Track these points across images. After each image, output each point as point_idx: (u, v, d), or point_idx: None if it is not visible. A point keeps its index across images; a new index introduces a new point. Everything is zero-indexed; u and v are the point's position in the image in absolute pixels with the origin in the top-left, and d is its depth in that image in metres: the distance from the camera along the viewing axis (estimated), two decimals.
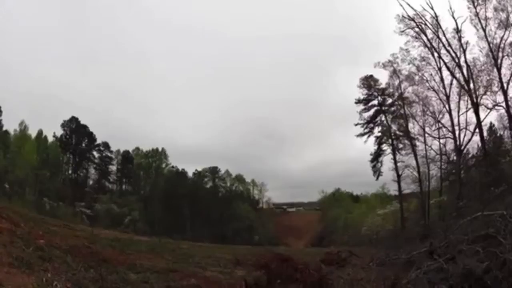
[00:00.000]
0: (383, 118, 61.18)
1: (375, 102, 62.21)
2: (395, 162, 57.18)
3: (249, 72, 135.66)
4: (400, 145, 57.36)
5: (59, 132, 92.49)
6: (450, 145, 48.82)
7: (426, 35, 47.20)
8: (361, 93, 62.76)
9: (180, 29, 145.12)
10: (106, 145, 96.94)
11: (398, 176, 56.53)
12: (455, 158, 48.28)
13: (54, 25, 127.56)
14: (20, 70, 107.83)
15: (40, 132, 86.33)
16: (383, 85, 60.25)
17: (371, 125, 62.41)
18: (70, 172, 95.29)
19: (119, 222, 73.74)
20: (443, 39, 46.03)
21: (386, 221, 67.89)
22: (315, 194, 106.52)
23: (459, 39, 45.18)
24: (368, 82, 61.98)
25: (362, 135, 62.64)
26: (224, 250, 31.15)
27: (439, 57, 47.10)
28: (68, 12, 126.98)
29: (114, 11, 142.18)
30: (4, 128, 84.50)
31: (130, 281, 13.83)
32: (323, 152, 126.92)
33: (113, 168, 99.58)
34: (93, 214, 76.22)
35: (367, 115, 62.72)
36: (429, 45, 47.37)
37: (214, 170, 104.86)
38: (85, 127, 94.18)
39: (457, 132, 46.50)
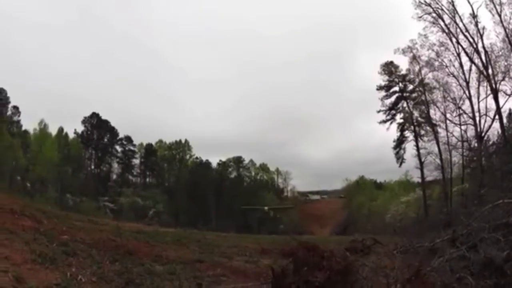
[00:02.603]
0: (404, 105, 61.00)
1: (396, 88, 62.03)
2: (418, 149, 56.84)
3: (270, 59, 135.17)
4: (422, 132, 56.95)
5: (80, 128, 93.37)
6: (471, 132, 48.24)
7: (443, 20, 46.73)
8: (382, 80, 62.49)
9: (198, 19, 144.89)
10: (128, 139, 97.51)
11: (421, 163, 56.11)
12: (476, 145, 47.73)
13: (69, 20, 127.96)
14: (36, 69, 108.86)
15: (60, 130, 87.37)
16: (403, 71, 59.95)
17: (393, 111, 62.26)
18: (92, 167, 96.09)
19: (144, 215, 74.30)
20: (460, 25, 45.61)
21: (409, 209, 67.85)
22: (339, 182, 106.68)
23: (476, 24, 44.74)
24: (389, 68, 61.66)
25: (384, 122, 62.53)
26: (249, 239, 31.07)
27: (457, 42, 46.62)
28: (83, 7, 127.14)
29: (130, 3, 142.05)
30: (23, 128, 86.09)
31: (156, 272, 13.84)
32: (347, 139, 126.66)
33: (137, 161, 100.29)
34: (117, 208, 76.88)
35: (388, 101, 62.63)
36: (446, 30, 46.89)
37: (238, 160, 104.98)
38: (106, 122, 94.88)
39: (477, 119, 46.00)
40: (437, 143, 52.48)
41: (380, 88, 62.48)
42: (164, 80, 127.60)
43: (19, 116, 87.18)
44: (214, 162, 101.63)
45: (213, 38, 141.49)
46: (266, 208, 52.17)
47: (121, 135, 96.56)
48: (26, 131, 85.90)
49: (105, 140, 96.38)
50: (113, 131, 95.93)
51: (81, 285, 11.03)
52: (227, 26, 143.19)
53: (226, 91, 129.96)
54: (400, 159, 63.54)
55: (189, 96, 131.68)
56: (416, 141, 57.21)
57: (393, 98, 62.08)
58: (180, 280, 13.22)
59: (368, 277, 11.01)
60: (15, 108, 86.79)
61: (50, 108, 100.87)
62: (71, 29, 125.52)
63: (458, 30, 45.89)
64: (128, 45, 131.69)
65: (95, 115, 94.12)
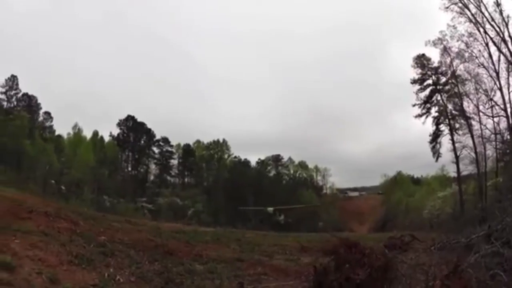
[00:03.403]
0: (438, 98, 59.81)
1: (430, 81, 60.85)
2: (453, 143, 55.59)
3: (304, 57, 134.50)
4: (457, 125, 55.83)
5: (115, 131, 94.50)
6: (503, 124, 47.10)
7: (469, 10, 45.86)
8: (415, 73, 61.65)
9: (231, 17, 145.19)
10: (166, 140, 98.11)
11: (456, 157, 54.91)
12: (508, 137, 46.69)
13: (97, 23, 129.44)
14: (68, 74, 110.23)
15: (95, 133, 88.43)
16: (436, 64, 59.03)
17: (428, 105, 61.08)
18: (129, 169, 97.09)
19: (183, 215, 74.56)
20: (486, 14, 44.67)
21: (446, 204, 66.91)
22: (378, 178, 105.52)
23: (501, 13, 43.75)
24: (421, 61, 60.59)
25: (420, 116, 61.31)
26: (289, 237, 30.85)
27: (485, 32, 45.57)
28: (113, 10, 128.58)
29: (162, 5, 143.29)
30: (56, 133, 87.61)
31: (196, 272, 13.82)
32: (385, 134, 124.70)
33: (174, 162, 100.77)
34: (155, 209, 77.39)
35: (423, 95, 61.39)
36: (473, 20, 45.95)
37: (277, 158, 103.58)
38: (142, 124, 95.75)
39: (509, 110, 44.97)
40: (472, 136, 51.28)
41: (414, 81, 61.37)
42: (199, 81, 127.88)
43: (51, 121, 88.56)
44: (252, 161, 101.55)
45: (246, 38, 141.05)
46: (270, 209, 50.83)
47: (157, 137, 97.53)
48: (59, 136, 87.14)
49: (142, 142, 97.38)
50: (149, 133, 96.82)
51: (119, 285, 11.07)
52: (259, 27, 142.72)
53: (263, 90, 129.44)
54: (436, 153, 62.14)
55: (226, 97, 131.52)
56: (451, 134, 56.02)
57: (427, 91, 60.94)
58: (221, 279, 13.14)
59: (406, 274, 10.80)
60: (47, 113, 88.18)
61: (84, 112, 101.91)
62: (103, 32, 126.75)
63: (484, 19, 45.02)
64: (162, 47, 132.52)
65: (130, 118, 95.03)
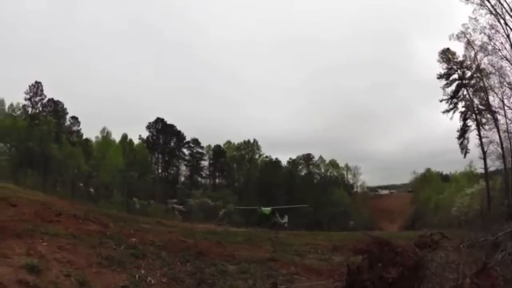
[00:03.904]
0: (465, 92, 59.16)
1: (456, 76, 60.22)
2: (480, 138, 54.83)
3: (332, 54, 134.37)
4: (483, 120, 55.15)
5: (144, 134, 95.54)
6: None
7: (489, 1, 45.24)
8: (441, 68, 61.00)
9: (257, 23, 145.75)
10: (196, 141, 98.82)
11: (484, 152, 54.13)
12: None
13: (124, 29, 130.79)
14: (94, 78, 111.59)
15: (124, 136, 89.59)
16: (460, 58, 58.35)
17: (455, 100, 60.41)
18: (160, 171, 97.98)
19: (214, 216, 74.79)
20: (505, 5, 44.06)
21: (474, 201, 66.50)
22: (407, 175, 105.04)
23: None
24: (446, 55, 59.99)
25: (447, 111, 60.66)
26: (321, 236, 30.65)
27: (505, 24, 44.97)
28: (136, 14, 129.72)
29: (183, 7, 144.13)
30: (84, 137, 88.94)
31: (228, 272, 13.83)
32: (414, 131, 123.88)
33: (205, 163, 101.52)
34: (186, 210, 77.74)
35: (449, 90, 60.83)
36: (493, 12, 45.32)
37: (307, 157, 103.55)
38: (172, 126, 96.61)
39: None
40: (498, 131, 50.52)
41: (440, 76, 60.76)
42: (228, 82, 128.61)
43: (78, 126, 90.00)
44: (283, 160, 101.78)
45: (274, 42, 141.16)
46: (267, 209, 49.36)
47: (187, 139, 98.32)
48: (87, 140, 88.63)
49: (172, 144, 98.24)
50: (179, 135, 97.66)
51: (150, 286, 11.12)
52: (286, 31, 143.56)
53: (293, 90, 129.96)
54: (464, 149, 61.25)
55: (256, 97, 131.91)
56: (478, 129, 55.24)
57: (453, 86, 60.36)
58: (254, 279, 13.06)
59: (436, 272, 10.58)
60: (74, 118, 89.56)
61: (111, 117, 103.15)
62: (130, 38, 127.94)
63: (504, 10, 44.43)
64: (190, 51, 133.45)
65: (159, 120, 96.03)
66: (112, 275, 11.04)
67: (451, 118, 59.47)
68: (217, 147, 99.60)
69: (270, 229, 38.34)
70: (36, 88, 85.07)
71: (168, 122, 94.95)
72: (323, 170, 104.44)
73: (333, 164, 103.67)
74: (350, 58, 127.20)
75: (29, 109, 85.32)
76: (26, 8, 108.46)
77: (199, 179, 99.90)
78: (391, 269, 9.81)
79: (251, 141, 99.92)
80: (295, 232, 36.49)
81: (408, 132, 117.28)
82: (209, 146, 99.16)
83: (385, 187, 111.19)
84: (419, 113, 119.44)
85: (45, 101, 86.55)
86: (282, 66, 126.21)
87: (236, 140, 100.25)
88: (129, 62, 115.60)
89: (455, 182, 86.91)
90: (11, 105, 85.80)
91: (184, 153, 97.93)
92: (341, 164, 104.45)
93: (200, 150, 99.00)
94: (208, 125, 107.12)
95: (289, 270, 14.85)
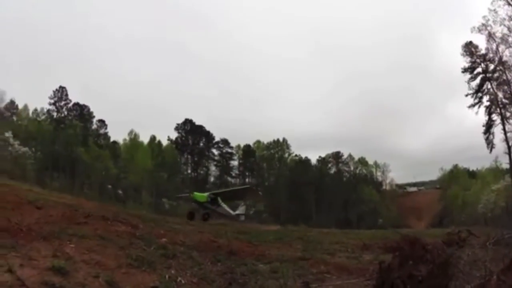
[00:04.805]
0: (489, 86, 58.56)
1: (479, 69, 59.57)
2: (505, 133, 54.77)
3: (359, 51, 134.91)
4: (508, 114, 54.54)
5: (173, 135, 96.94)
6: None
7: None
8: (465, 61, 60.38)
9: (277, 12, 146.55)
10: (225, 141, 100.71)
11: (509, 147, 53.83)
12: None
13: (151, 32, 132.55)
14: (120, 83, 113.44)
15: (152, 138, 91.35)
16: (483, 51, 57.69)
17: (480, 94, 59.73)
18: (189, 171, 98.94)
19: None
20: None
21: (499, 197, 66.18)
22: (435, 172, 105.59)
23: None
24: (469, 49, 59.71)
25: (473, 105, 60.06)
26: (350, 235, 30.75)
27: None
28: (161, 17, 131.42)
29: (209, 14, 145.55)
30: (111, 139, 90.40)
31: (259, 271, 13.78)
32: (441, 126, 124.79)
33: (235, 163, 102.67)
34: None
35: (474, 84, 60.21)
36: (511, 1, 44.83)
37: (337, 155, 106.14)
38: (201, 127, 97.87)
39: None
40: None
41: (464, 70, 60.46)
42: (257, 82, 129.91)
43: (105, 129, 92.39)
44: (313, 158, 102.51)
45: (302, 42, 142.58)
46: (201, 194, 43.06)
47: (217, 139, 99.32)
48: (115, 142, 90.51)
49: (201, 144, 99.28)
50: (208, 135, 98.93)
51: (180, 286, 11.07)
52: (313, 32, 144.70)
53: (321, 89, 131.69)
54: (489, 144, 60.62)
55: (285, 95, 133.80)
56: (503, 124, 55.01)
57: (478, 80, 59.76)
58: (285, 278, 13.01)
59: (464, 270, 10.48)
60: (101, 121, 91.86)
61: (138, 119, 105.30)
62: (155, 43, 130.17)
63: None
64: (218, 50, 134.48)
65: (188, 121, 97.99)
66: (141, 275, 11.09)
67: (476, 113, 59.23)
68: (247, 146, 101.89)
69: (203, 220, 36.03)
70: (61, 93, 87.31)
71: (197, 123, 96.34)
72: (352, 168, 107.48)
73: (362, 161, 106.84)
74: (377, 60, 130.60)
75: (54, 114, 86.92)
76: (52, 17, 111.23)
77: (229, 179, 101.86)
78: (421, 266, 9.84)
79: (281, 140, 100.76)
80: (325, 231, 36.47)
81: (436, 128, 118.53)
82: (238, 146, 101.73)
83: (414, 184, 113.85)
84: (446, 108, 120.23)
85: (70, 105, 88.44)
86: (311, 67, 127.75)
87: (266, 139, 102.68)
88: (156, 66, 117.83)
89: (481, 178, 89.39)
90: (35, 110, 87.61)
91: (213, 153, 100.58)
92: (370, 162, 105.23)
93: (229, 150, 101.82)
94: (238, 125, 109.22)
95: (320, 269, 14.74)
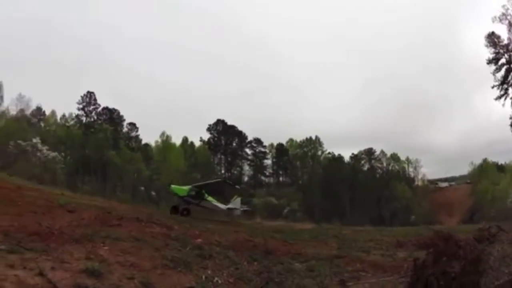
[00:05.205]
0: None
1: (503, 60, 58.49)
2: None
3: (389, 47, 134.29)
4: None
5: (205, 136, 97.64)
6: None
7: None
8: (489, 52, 59.37)
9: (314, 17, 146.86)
10: (258, 141, 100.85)
11: None
12: None
13: (182, 33, 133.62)
14: (151, 85, 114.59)
15: (185, 139, 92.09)
16: (505, 41, 56.69)
17: (505, 86, 58.68)
18: (223, 171, 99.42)
19: (278, 214, 75.33)
20: None
21: None
22: (466, 166, 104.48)
23: None
24: (492, 39, 58.71)
25: (499, 97, 59.00)
26: (384, 232, 30.56)
27: None
28: (190, 19, 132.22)
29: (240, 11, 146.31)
30: (143, 142, 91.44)
31: (295, 270, 13.76)
32: (471, 120, 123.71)
33: (268, 162, 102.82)
34: (250, 209, 78.51)
35: (499, 75, 59.12)
36: None
37: (369, 152, 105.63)
38: (233, 127, 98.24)
39: None
40: None
41: (489, 61, 59.30)
42: (287, 81, 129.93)
43: (136, 131, 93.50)
44: (346, 155, 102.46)
45: (335, 40, 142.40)
46: (180, 188, 40.25)
47: (249, 139, 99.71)
48: (146, 144, 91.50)
49: (234, 144, 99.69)
50: (241, 135, 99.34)
51: (217, 287, 11.05)
52: (346, 31, 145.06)
53: (353, 86, 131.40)
54: None
55: (312, 93, 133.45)
56: None
57: (503, 71, 58.66)
58: (321, 276, 13.01)
59: (494, 266, 10.23)
60: (132, 124, 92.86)
61: (170, 121, 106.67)
62: (184, 45, 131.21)
63: None
64: (248, 50, 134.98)
65: (220, 122, 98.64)
66: (177, 276, 11.06)
67: (503, 105, 57.99)
68: (280, 145, 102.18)
69: (181, 216, 31.92)
70: (89, 98, 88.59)
71: (229, 123, 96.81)
72: (385, 164, 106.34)
73: (395, 157, 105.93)
74: (406, 58, 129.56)
75: (83, 118, 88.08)
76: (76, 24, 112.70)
77: (263, 178, 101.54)
78: (454, 263, 9.88)
79: (313, 138, 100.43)
80: (359, 228, 36.41)
81: (466, 122, 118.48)
82: (271, 145, 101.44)
83: (445, 180, 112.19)
84: (476, 102, 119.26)
85: (99, 109, 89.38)
86: (342, 64, 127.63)
87: (298, 137, 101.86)
88: (185, 67, 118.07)
89: (510, 172, 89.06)
90: (63, 115, 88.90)
91: (246, 153, 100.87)
92: (402, 158, 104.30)
93: (262, 149, 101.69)
94: (270, 124, 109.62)
95: (355, 267, 14.63)
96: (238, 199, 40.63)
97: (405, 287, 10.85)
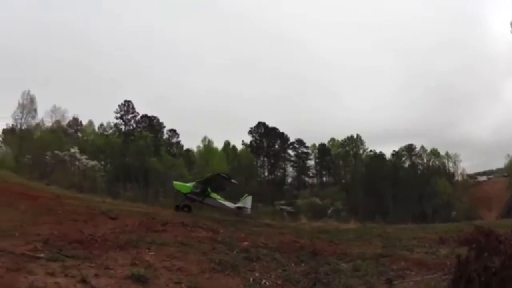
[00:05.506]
0: None
1: None
2: None
3: (423, 42, 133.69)
4: None
5: (247, 139, 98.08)
6: None
7: None
8: None
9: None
10: (300, 142, 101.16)
11: None
12: None
13: (219, 39, 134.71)
14: (189, 92, 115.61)
15: (227, 143, 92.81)
16: None
17: None
18: (266, 174, 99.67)
19: (322, 214, 75.16)
20: None
21: None
22: (502, 159, 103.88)
23: None
24: None
25: None
26: (426, 229, 30.10)
27: None
28: (230, 25, 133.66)
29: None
30: (184, 148, 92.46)
31: (342, 270, 13.72)
32: (506, 112, 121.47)
33: (311, 162, 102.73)
34: (294, 210, 78.44)
35: None
36: None
37: (409, 148, 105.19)
38: (274, 129, 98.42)
39: None
40: None
41: None
42: (326, 80, 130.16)
43: (177, 137, 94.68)
44: (387, 152, 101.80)
45: (373, 38, 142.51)
46: (184, 185, 37.72)
47: (291, 140, 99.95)
48: (188, 150, 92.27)
49: (276, 146, 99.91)
50: (283, 137, 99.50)
51: None
52: (384, 29, 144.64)
53: (390, 83, 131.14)
54: None
55: (351, 91, 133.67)
56: None
57: None
58: (367, 276, 13.02)
59: None
60: (172, 131, 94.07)
61: (210, 126, 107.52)
62: (221, 49, 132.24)
63: None
64: (287, 51, 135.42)
65: (261, 124, 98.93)
66: (225, 279, 11.13)
67: None
68: (322, 145, 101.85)
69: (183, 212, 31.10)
70: (127, 107, 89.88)
71: (270, 125, 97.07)
72: (425, 160, 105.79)
73: (435, 153, 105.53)
74: (443, 54, 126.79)
75: (122, 127, 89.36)
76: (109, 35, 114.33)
77: (306, 178, 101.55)
78: (495, 258, 9.85)
79: (354, 136, 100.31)
80: (402, 226, 36.09)
81: (502, 114, 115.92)
82: (313, 145, 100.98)
83: (483, 173, 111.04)
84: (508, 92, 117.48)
85: (138, 117, 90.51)
86: (380, 61, 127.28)
87: (340, 136, 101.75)
88: (223, 72, 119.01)
89: None
90: (101, 125, 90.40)
91: (289, 154, 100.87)
92: (442, 153, 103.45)
93: (305, 150, 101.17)
94: (311, 124, 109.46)
95: (400, 266, 14.51)
96: (249, 198, 37.06)
97: (448, 284, 10.80)
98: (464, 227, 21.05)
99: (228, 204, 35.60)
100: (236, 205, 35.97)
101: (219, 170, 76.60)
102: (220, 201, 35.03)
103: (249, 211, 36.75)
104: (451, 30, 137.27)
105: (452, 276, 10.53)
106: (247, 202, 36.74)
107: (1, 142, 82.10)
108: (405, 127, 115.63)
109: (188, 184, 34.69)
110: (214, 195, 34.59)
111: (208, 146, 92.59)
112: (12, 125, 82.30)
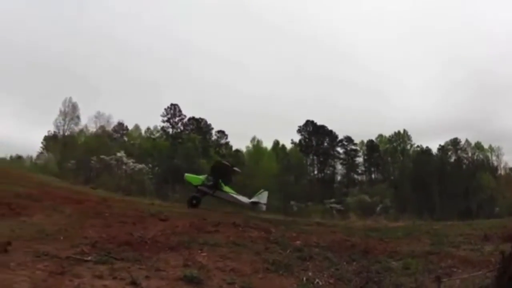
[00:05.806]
0: None
1: None
2: None
3: (456, 37, 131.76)
4: None
5: (296, 138, 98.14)
6: None
7: None
8: None
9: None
10: (349, 139, 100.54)
11: None
12: None
13: (262, 36, 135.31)
14: (236, 93, 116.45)
15: (276, 143, 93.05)
16: None
17: None
18: (316, 172, 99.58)
19: (371, 212, 74.83)
20: None
21: None
22: None
23: None
24: None
25: None
26: (472, 225, 29.81)
27: None
28: (274, 29, 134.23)
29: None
30: (233, 148, 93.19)
31: (392, 269, 13.89)
32: None
33: (360, 159, 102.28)
34: (344, 209, 78.31)
35: None
36: None
37: (455, 142, 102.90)
38: (323, 127, 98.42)
39: None
40: None
41: None
42: (369, 76, 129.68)
43: (226, 138, 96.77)
44: (434, 147, 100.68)
45: (413, 27, 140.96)
46: (196, 177, 36.40)
47: (340, 137, 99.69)
48: (237, 150, 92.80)
49: (325, 144, 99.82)
50: (331, 134, 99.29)
51: None
52: (425, 17, 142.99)
53: (432, 74, 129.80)
54: None
55: (399, 86, 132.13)
56: None
57: None
58: (417, 274, 13.10)
59: None
60: (221, 132, 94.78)
61: (259, 126, 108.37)
62: (266, 48, 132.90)
63: None
64: (325, 49, 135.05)
65: (309, 123, 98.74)
66: (279, 279, 11.25)
67: None
68: (370, 142, 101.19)
69: (191, 206, 30.91)
70: (173, 110, 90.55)
71: (319, 123, 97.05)
72: (470, 154, 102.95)
73: (479, 146, 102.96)
74: (481, 41, 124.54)
75: (169, 130, 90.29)
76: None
77: (355, 176, 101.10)
78: None
79: (401, 132, 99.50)
80: (449, 223, 35.74)
81: None
82: (362, 142, 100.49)
83: None
84: None
85: (185, 120, 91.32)
86: (422, 53, 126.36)
87: (387, 132, 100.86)
88: (268, 71, 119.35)
89: None
90: (148, 128, 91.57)
91: (338, 152, 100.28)
92: (486, 146, 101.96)
93: (353, 147, 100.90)
94: (359, 121, 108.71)
95: (447, 263, 14.63)
96: (265, 193, 35.62)
97: (492, 281, 10.83)
98: (507, 223, 21.59)
99: (242, 198, 35.24)
100: (251, 200, 35.35)
101: (270, 170, 77.17)
102: (233, 195, 34.89)
103: (264, 207, 35.93)
104: (496, 19, 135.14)
105: (496, 272, 10.61)
106: (262, 197, 36.08)
107: (44, 149, 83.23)
108: (449, 121, 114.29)
109: (200, 176, 34.51)
110: (227, 188, 34.58)
111: (257, 146, 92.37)
112: (54, 132, 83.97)
